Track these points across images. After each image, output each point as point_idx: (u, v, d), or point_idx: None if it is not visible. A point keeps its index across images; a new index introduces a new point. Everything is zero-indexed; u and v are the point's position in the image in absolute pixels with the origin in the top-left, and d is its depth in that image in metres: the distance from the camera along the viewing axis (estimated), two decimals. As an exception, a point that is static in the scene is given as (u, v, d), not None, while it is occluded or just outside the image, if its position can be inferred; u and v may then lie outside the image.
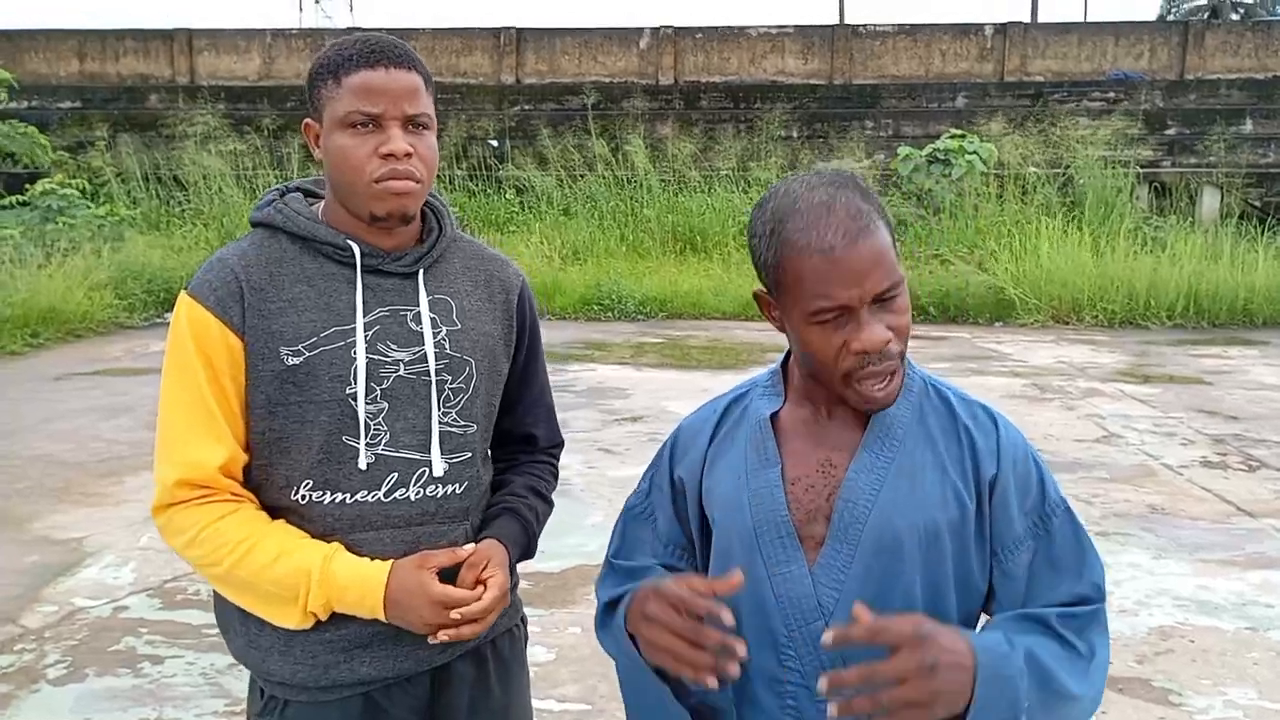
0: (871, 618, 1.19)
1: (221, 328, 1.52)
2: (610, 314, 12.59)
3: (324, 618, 1.54)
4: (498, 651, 1.75)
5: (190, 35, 21.71)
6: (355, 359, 1.54)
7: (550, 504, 1.83)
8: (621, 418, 7.25)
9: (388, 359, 1.57)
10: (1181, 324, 12.11)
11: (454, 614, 1.51)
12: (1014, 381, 8.79)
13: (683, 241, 15.35)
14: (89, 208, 13.79)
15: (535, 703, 3.43)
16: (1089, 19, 34.44)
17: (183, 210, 16.08)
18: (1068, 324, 12.21)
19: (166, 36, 21.73)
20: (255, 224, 1.62)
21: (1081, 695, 1.30)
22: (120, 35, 21.91)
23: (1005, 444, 1.39)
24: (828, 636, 1.19)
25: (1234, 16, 39.48)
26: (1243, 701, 3.43)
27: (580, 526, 4.89)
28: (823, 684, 1.18)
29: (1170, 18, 40.23)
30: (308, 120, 1.58)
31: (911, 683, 1.15)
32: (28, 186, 14.16)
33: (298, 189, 1.67)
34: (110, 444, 6.60)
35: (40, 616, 4.07)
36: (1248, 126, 17.50)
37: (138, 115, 18.99)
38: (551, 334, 11.26)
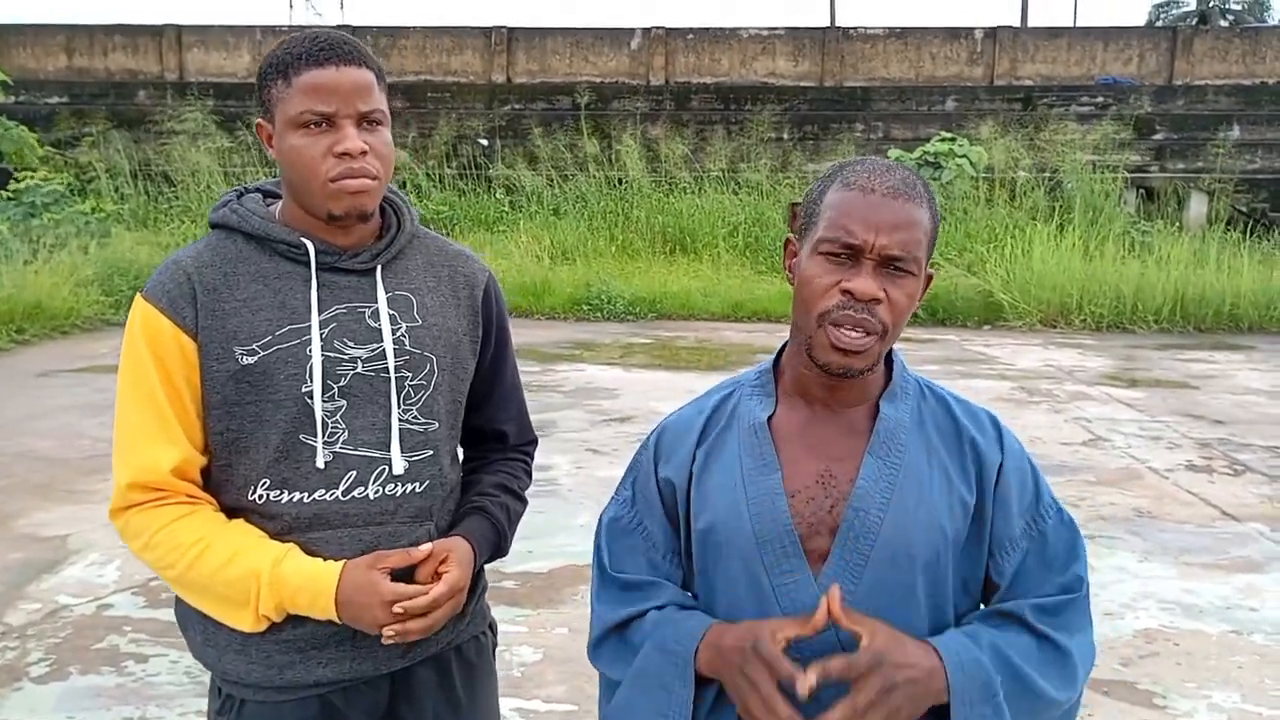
0: (840, 606, 1.21)
1: (174, 329, 1.51)
2: (599, 314, 12.59)
3: (278, 620, 1.53)
4: (463, 658, 1.72)
5: (179, 31, 21.62)
6: (311, 357, 1.53)
7: (524, 501, 1.80)
8: (610, 418, 7.24)
9: (345, 356, 1.55)
10: (1168, 328, 12.16)
11: (396, 608, 1.49)
12: (1001, 385, 8.82)
13: (672, 242, 15.36)
14: (74, 204, 13.71)
15: (522, 703, 3.43)
16: (1078, 24, 34.61)
17: (171, 207, 16.01)
18: (1055, 328, 12.26)
19: (156, 32, 21.64)
20: (212, 225, 1.61)
21: (1060, 699, 1.32)
22: (109, 31, 21.81)
23: (1007, 445, 1.39)
24: (804, 688, 1.20)
25: (1223, 23, 39.70)
26: (1227, 705, 3.44)
27: (568, 527, 4.87)
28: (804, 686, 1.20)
29: (1159, 23, 40.42)
30: (259, 121, 1.57)
31: (873, 710, 1.21)
32: (14, 182, 14.08)
33: (257, 190, 1.66)
34: (95, 441, 6.56)
35: (23, 614, 4.04)
36: (1235, 132, 17.60)
37: (126, 111, 18.89)
38: (540, 334, 11.28)
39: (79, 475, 5.85)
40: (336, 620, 1.51)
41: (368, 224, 1.60)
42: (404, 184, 17.26)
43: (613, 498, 1.52)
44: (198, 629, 1.61)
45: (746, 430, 1.39)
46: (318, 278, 1.56)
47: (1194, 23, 38.88)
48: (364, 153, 1.49)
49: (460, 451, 1.78)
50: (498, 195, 16.89)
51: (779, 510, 1.33)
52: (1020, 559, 1.37)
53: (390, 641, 1.51)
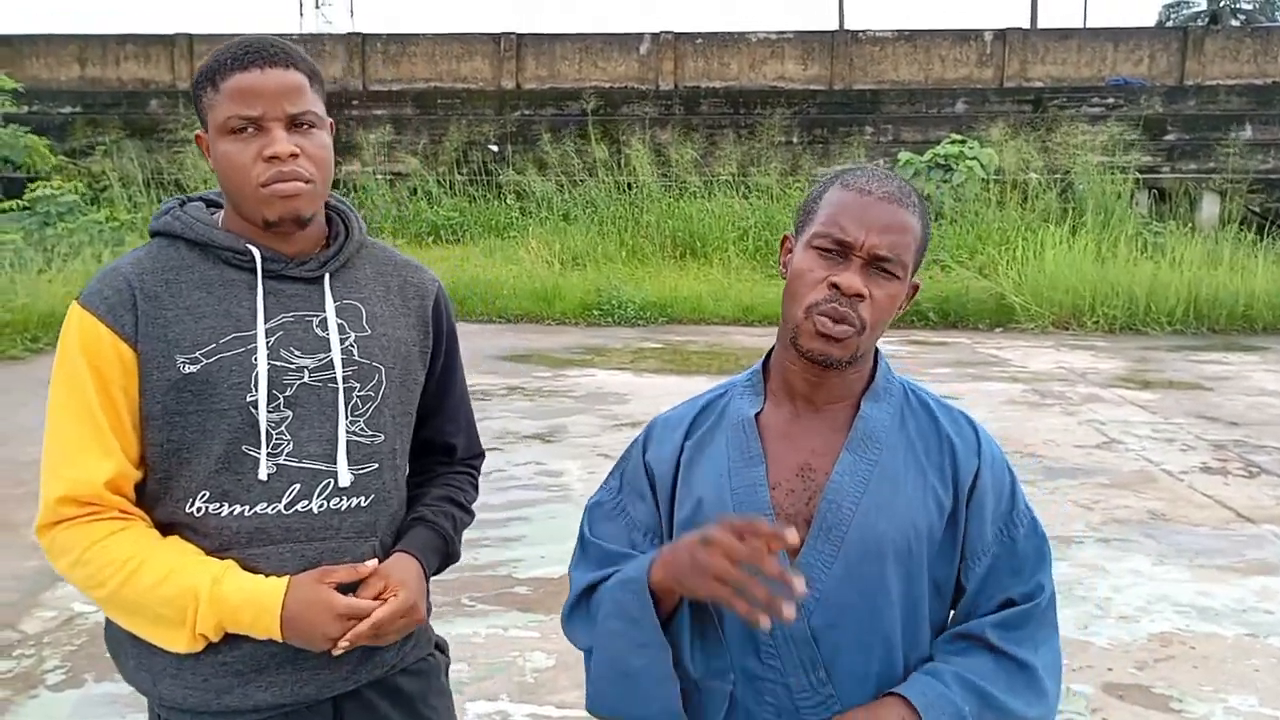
0: (794, 538, 1.22)
1: (113, 337, 1.46)
2: (610, 319, 12.59)
3: (216, 639, 1.47)
4: (411, 681, 1.68)
5: (191, 40, 21.73)
6: (256, 366, 1.49)
7: (470, 514, 1.77)
8: (621, 423, 7.24)
9: (291, 366, 1.51)
10: (1182, 330, 12.10)
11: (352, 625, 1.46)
12: (1014, 387, 8.79)
13: (683, 247, 15.36)
14: (86, 213, 13.78)
15: (535, 709, 3.43)
16: (1088, 25, 34.50)
17: (183, 215, 16.07)
18: (1068, 330, 12.21)
19: (167, 41, 21.76)
20: (153, 233, 1.57)
21: (1033, 716, 1.36)
22: (121, 40, 21.94)
23: (985, 451, 1.43)
24: (792, 536, 1.20)
25: (1234, 22, 39.54)
26: (1243, 708, 3.42)
27: (580, 532, 4.86)
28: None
29: (1170, 24, 40.27)
30: (198, 133, 1.54)
31: None
32: (27, 191, 14.17)
33: (200, 199, 1.63)
34: (110, 449, 6.59)
35: (39, 622, 4.06)
36: (1247, 132, 17.52)
37: (139, 120, 19.00)
38: (551, 339, 11.30)
39: (93, 483, 5.87)
40: (278, 639, 1.46)
41: (312, 232, 1.56)
42: (415, 191, 17.31)
43: (601, 486, 1.57)
44: (130, 653, 1.55)
45: (734, 425, 1.44)
46: (264, 285, 1.52)
47: (1205, 23, 38.73)
48: (294, 155, 1.46)
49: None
50: (508, 201, 16.92)
51: (760, 501, 1.37)
52: (989, 564, 1.41)
53: (339, 652, 1.48)
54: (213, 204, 1.63)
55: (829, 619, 1.34)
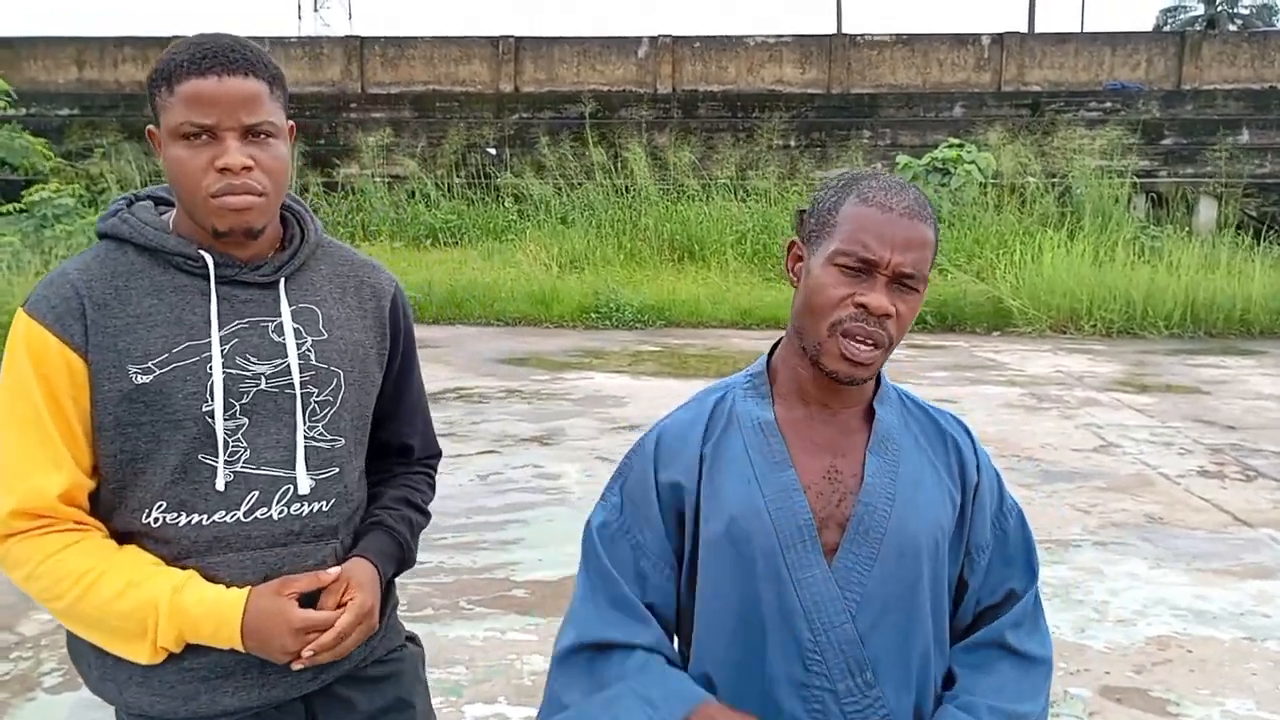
0: None
1: (61, 347, 1.42)
2: (608, 322, 12.59)
3: (177, 650, 1.46)
4: (383, 672, 1.66)
5: (189, 43, 21.72)
6: (211, 375, 1.45)
7: (426, 514, 1.75)
8: (619, 426, 7.24)
9: (247, 373, 1.48)
10: (1179, 334, 12.12)
11: (311, 638, 1.45)
12: (1011, 391, 8.80)
13: (680, 250, 15.36)
14: (84, 216, 13.77)
15: (531, 711, 3.42)
16: (1086, 29, 34.56)
17: (181, 217, 16.07)
18: (1065, 333, 12.22)
19: (164, 44, 21.66)
20: (100, 235, 1.52)
21: (1036, 710, 1.42)
22: (119, 43, 21.93)
23: (980, 452, 1.48)
24: None
25: (1231, 27, 39.62)
26: (1241, 712, 3.43)
27: (578, 535, 4.84)
28: None
29: (1167, 28, 40.34)
30: (150, 128, 1.50)
31: None
32: (25, 194, 14.16)
33: (148, 197, 1.59)
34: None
35: (36, 624, 4.05)
36: (1244, 137, 17.55)
37: (137, 123, 18.97)
38: (548, 342, 11.30)
39: (90, 485, 5.86)
40: (241, 650, 1.45)
41: (265, 236, 1.52)
42: (413, 193, 17.32)
43: (599, 502, 1.50)
44: (94, 662, 1.53)
45: (752, 430, 1.41)
46: (217, 291, 1.48)
47: (1202, 27, 38.81)
48: (247, 168, 1.42)
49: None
50: (506, 204, 16.93)
51: (798, 505, 1.36)
52: (989, 558, 1.46)
53: (300, 667, 1.47)
54: (162, 201, 1.59)
55: (871, 620, 1.35)
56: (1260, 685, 3.61)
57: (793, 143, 18.12)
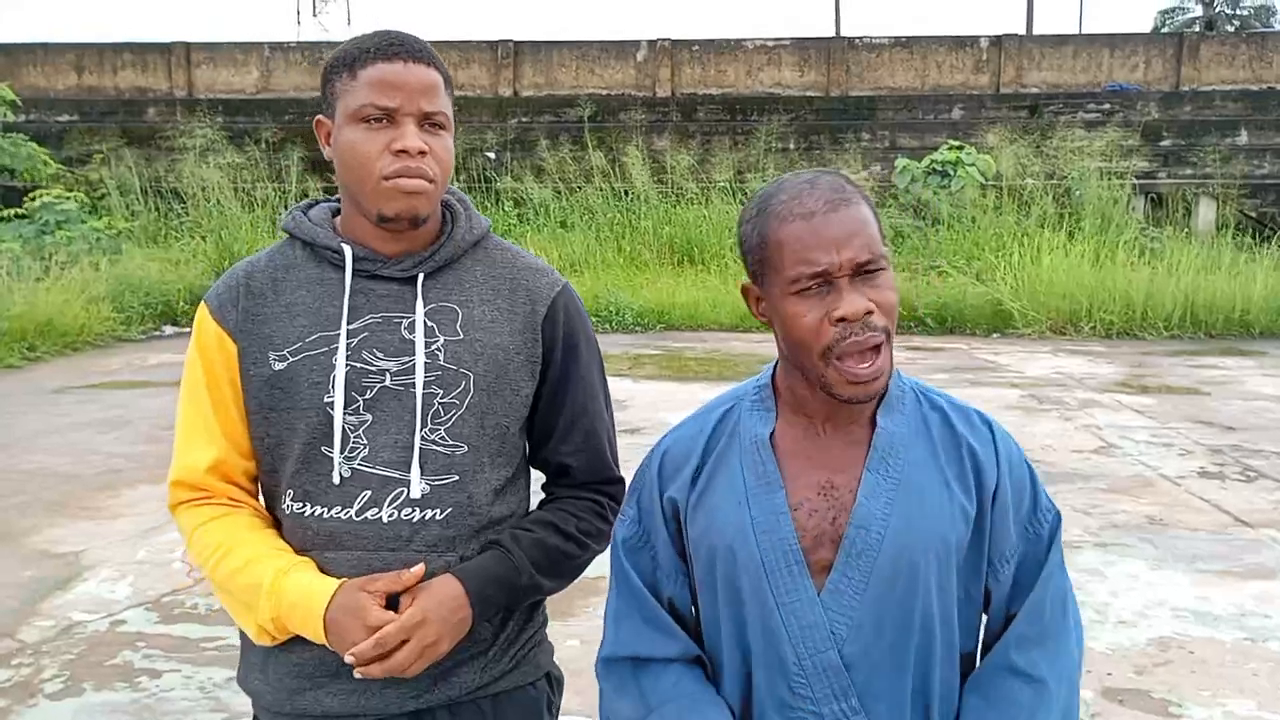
0: None
1: (219, 332, 1.51)
2: (607, 325, 12.60)
3: (278, 635, 1.47)
4: (499, 710, 1.57)
5: (188, 49, 21.75)
6: (335, 366, 1.47)
7: (578, 543, 1.59)
8: (619, 429, 7.22)
9: (372, 368, 1.48)
10: (1179, 335, 12.12)
11: (354, 648, 1.39)
12: (1011, 393, 8.80)
13: (680, 253, 15.37)
14: (84, 221, 13.79)
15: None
16: (1084, 31, 34.60)
17: (181, 223, 16.09)
18: (1065, 335, 12.22)
19: (164, 50, 21.77)
20: (283, 231, 1.60)
21: None
22: (118, 49, 21.95)
23: (1003, 452, 1.38)
24: None
25: (1229, 28, 39.64)
26: (1242, 713, 3.43)
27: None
28: None
29: (1165, 30, 40.38)
30: (320, 117, 1.51)
31: None
32: (27, 200, 14.18)
33: (335, 202, 1.62)
34: (107, 457, 6.59)
35: (38, 631, 4.06)
36: (1243, 137, 17.56)
37: (136, 129, 19.01)
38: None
39: (91, 491, 5.87)
40: (325, 643, 1.42)
41: (423, 231, 1.52)
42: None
43: (619, 517, 1.50)
44: (242, 649, 1.60)
45: (748, 447, 1.38)
46: (357, 285, 1.50)
47: (1200, 29, 38.84)
48: (423, 153, 1.44)
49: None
50: (506, 208, 16.93)
51: (784, 529, 1.32)
52: (1017, 564, 1.38)
53: (359, 675, 1.42)
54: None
55: (863, 645, 1.31)
56: (1261, 686, 3.61)
57: (792, 145, 18.12)
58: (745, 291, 1.38)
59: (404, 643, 1.40)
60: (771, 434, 1.38)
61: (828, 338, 1.26)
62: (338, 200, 1.61)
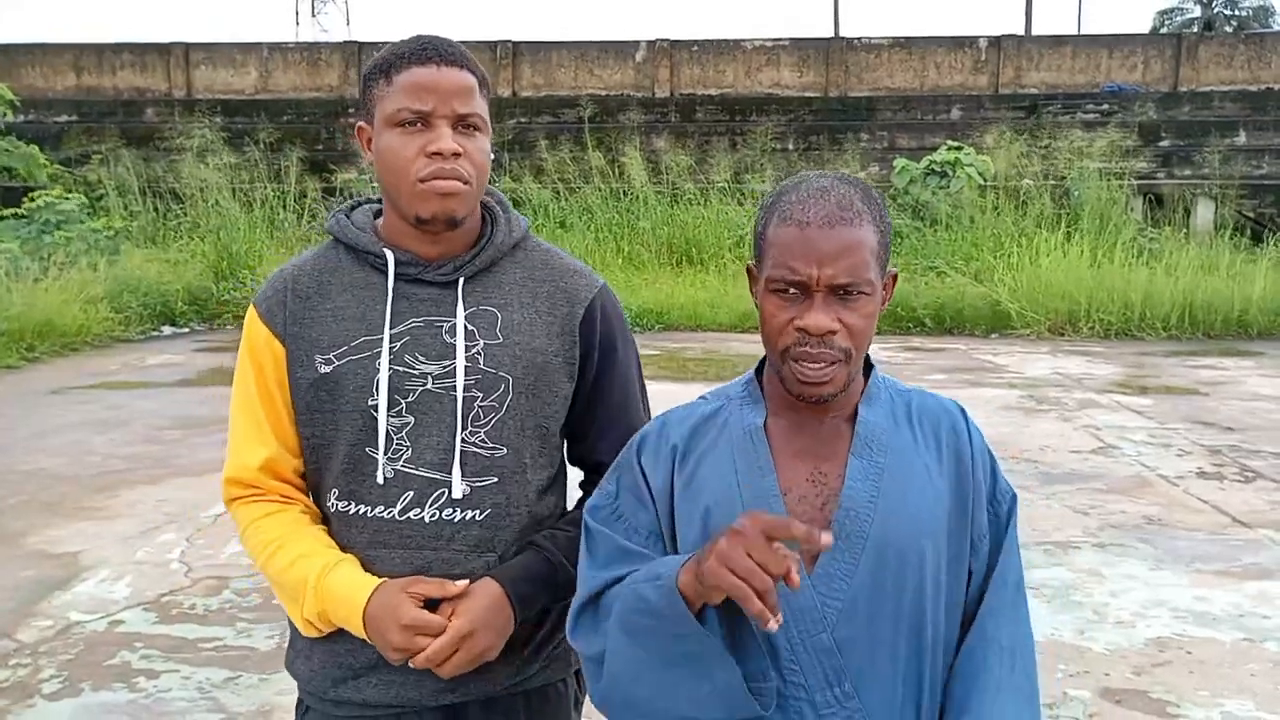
0: (829, 540, 1.17)
1: (267, 334, 1.55)
2: (607, 326, 12.58)
3: (323, 628, 1.53)
4: (530, 706, 1.62)
5: (187, 49, 21.74)
6: (379, 370, 1.51)
7: None
8: (618, 430, 7.24)
9: (414, 371, 1.51)
10: (1177, 335, 12.13)
11: (417, 638, 1.44)
12: (1010, 393, 8.80)
13: (679, 253, 15.37)
14: (84, 222, 13.79)
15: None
16: (1083, 32, 34.61)
17: (179, 223, 16.07)
18: (1063, 335, 12.23)
19: (163, 50, 21.77)
20: (328, 233, 1.62)
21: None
22: (117, 49, 21.94)
23: (974, 437, 1.43)
24: (826, 539, 1.16)
25: (1227, 29, 39.66)
26: (1240, 713, 3.43)
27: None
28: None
29: (1164, 30, 40.39)
30: (360, 124, 1.55)
31: None
32: (25, 200, 14.17)
33: (375, 202, 1.65)
34: (106, 458, 6.59)
35: (35, 631, 4.05)
36: (1241, 138, 17.58)
37: (135, 129, 19.01)
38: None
39: (90, 492, 5.87)
40: (365, 637, 1.48)
41: (461, 234, 1.54)
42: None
43: (595, 490, 1.50)
44: (289, 635, 1.64)
45: (740, 436, 1.40)
46: (399, 289, 1.53)
47: (1198, 29, 38.85)
48: (457, 155, 1.46)
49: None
50: (505, 208, 16.92)
51: (775, 512, 1.33)
52: (988, 546, 1.41)
53: (398, 662, 1.48)
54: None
55: (854, 628, 1.31)
56: (1260, 686, 3.61)
57: (790, 146, 18.14)
58: (749, 270, 1.43)
59: (455, 652, 1.47)
60: (765, 424, 1.41)
61: (788, 340, 1.31)
62: (379, 200, 1.64)
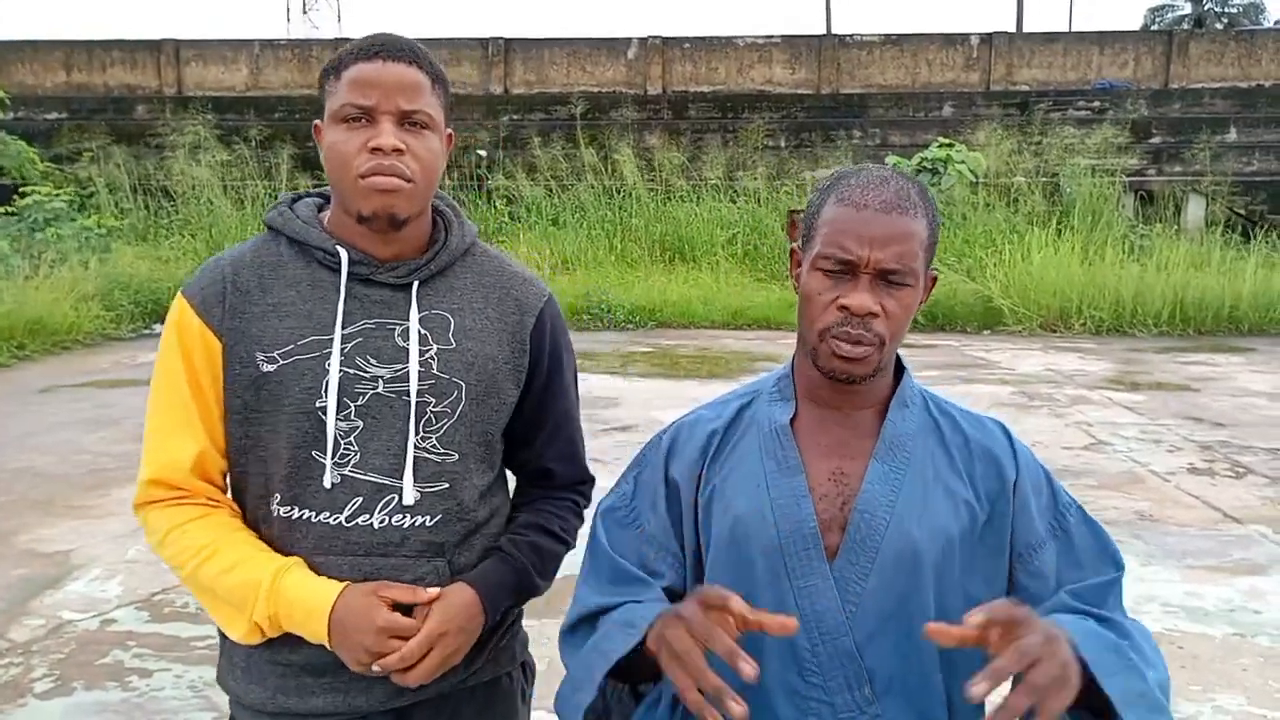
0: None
1: (202, 328, 1.48)
2: (599, 323, 12.59)
3: (271, 634, 1.47)
4: (477, 698, 1.61)
5: (178, 46, 21.67)
6: (328, 371, 1.46)
7: (563, 542, 1.66)
8: (610, 427, 7.23)
9: (365, 374, 1.47)
10: (1168, 331, 12.17)
11: (391, 641, 1.42)
12: (1002, 389, 8.82)
13: (671, 251, 15.38)
14: (75, 219, 13.74)
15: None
16: (1074, 29, 34.66)
17: (170, 221, 16.04)
18: (1055, 332, 12.26)
19: (154, 47, 21.69)
20: (267, 225, 1.57)
21: (1162, 675, 1.31)
22: (107, 46, 21.85)
23: (1019, 451, 1.41)
24: (979, 690, 1.07)
25: (1218, 26, 39.78)
26: (1232, 708, 3.44)
27: (570, 536, 4.85)
28: (979, 690, 1.07)
29: (1154, 27, 40.49)
30: (317, 122, 1.53)
31: (1046, 660, 1.09)
32: (16, 198, 14.11)
33: (318, 195, 1.62)
34: (96, 456, 6.56)
35: (27, 630, 4.04)
36: (1232, 135, 17.63)
37: (125, 126, 18.94)
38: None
39: (80, 490, 5.85)
40: (326, 644, 1.44)
41: (412, 236, 1.52)
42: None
43: (612, 489, 1.50)
44: (222, 650, 1.59)
45: (768, 433, 1.40)
46: (350, 289, 1.49)
47: (1189, 26, 38.96)
48: (398, 151, 1.43)
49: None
50: (497, 206, 16.92)
51: (804, 512, 1.33)
52: (1054, 558, 1.37)
53: (377, 673, 1.44)
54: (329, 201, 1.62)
55: (869, 631, 1.31)
56: (1251, 681, 3.62)
57: (782, 143, 18.14)
58: (792, 254, 1.43)
59: (427, 653, 1.45)
60: (792, 421, 1.41)
61: (830, 319, 1.32)
62: (320, 192, 1.62)
